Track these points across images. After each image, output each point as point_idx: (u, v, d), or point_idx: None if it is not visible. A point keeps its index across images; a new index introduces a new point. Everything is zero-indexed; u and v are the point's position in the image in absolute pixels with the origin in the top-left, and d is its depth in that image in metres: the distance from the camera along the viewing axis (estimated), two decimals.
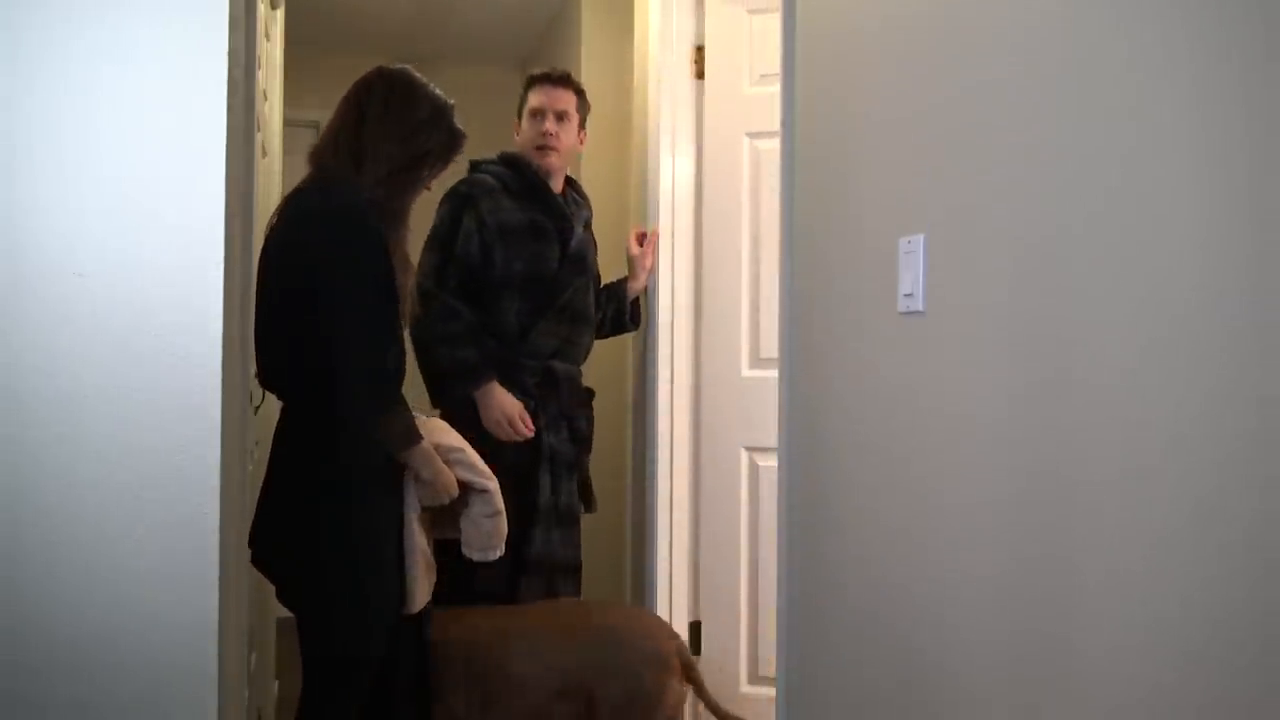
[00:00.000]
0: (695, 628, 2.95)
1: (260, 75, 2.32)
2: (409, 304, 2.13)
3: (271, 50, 2.91)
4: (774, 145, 2.71)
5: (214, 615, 1.61)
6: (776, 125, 2.68)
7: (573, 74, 3.91)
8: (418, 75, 2.18)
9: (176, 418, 1.60)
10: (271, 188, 2.95)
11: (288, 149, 3.60)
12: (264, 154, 2.59)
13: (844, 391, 1.78)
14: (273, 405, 3.03)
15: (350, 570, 2.01)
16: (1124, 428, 1.14)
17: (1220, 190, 1.03)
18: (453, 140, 2.17)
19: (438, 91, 2.18)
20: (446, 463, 2.14)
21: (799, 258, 1.96)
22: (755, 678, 2.82)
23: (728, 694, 2.82)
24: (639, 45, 3.22)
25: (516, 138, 2.84)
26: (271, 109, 2.91)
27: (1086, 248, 1.20)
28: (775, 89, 2.70)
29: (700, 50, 2.95)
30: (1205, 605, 1.04)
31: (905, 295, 1.57)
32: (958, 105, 1.46)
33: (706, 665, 2.88)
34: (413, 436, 2.03)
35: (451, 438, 2.22)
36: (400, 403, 2.02)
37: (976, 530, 1.41)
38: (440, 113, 2.16)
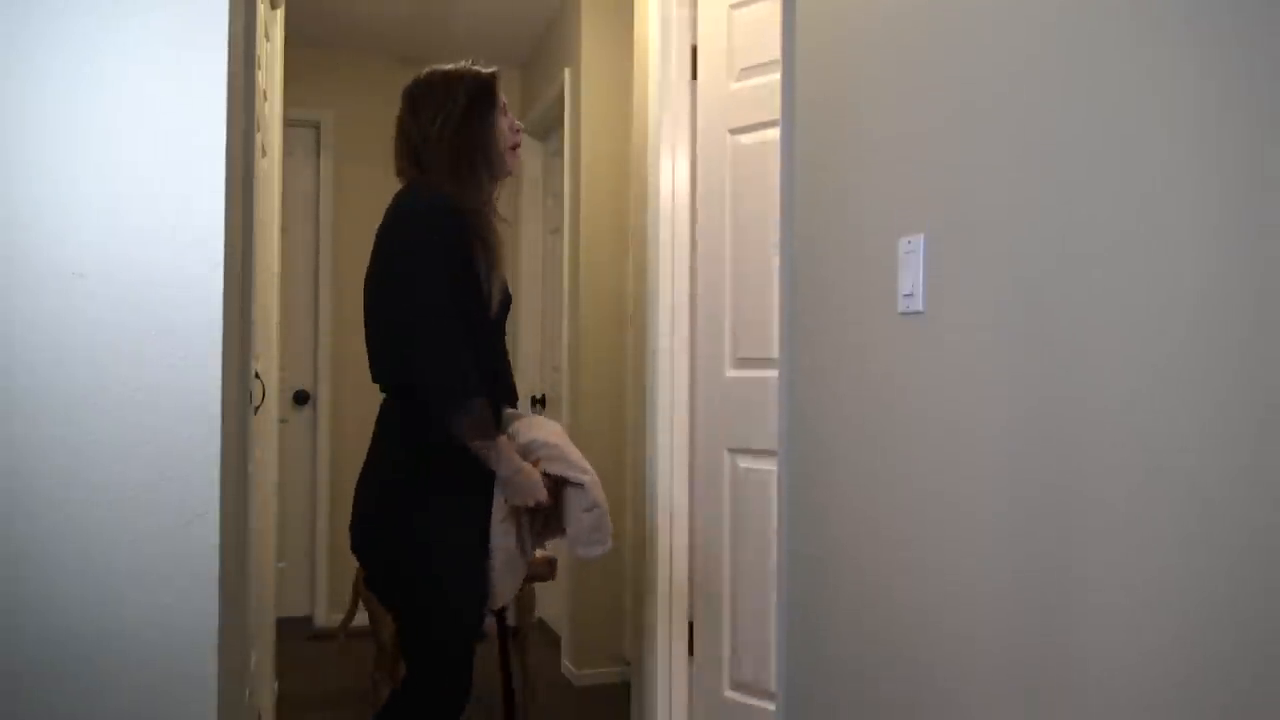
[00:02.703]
0: (689, 628, 2.94)
1: (260, 75, 2.32)
2: (496, 300, 2.09)
3: (271, 50, 2.91)
4: (753, 140, 2.71)
5: (214, 615, 1.61)
6: (757, 119, 2.68)
7: (572, 73, 3.92)
8: (434, 68, 2.17)
9: (176, 418, 1.60)
10: (271, 187, 2.95)
11: (288, 149, 3.60)
12: (264, 154, 2.59)
13: (844, 392, 1.78)
14: (273, 405, 3.03)
15: (430, 564, 2.04)
16: (1125, 427, 1.14)
17: (1222, 190, 1.03)
18: (478, 86, 2.14)
19: (447, 66, 2.17)
20: (536, 459, 2.12)
21: (799, 257, 1.96)
22: (736, 683, 2.77)
23: (714, 697, 2.81)
24: (639, 45, 3.22)
25: None
26: (271, 109, 2.91)
27: (1087, 247, 1.20)
28: (755, 82, 2.70)
29: (695, 50, 2.95)
30: (1209, 609, 1.04)
31: (905, 295, 1.57)
32: (958, 106, 1.46)
33: (698, 667, 2.87)
34: (487, 430, 2.01)
35: (548, 433, 2.19)
36: (474, 395, 1.97)
37: (977, 531, 1.41)
38: (448, 79, 2.14)
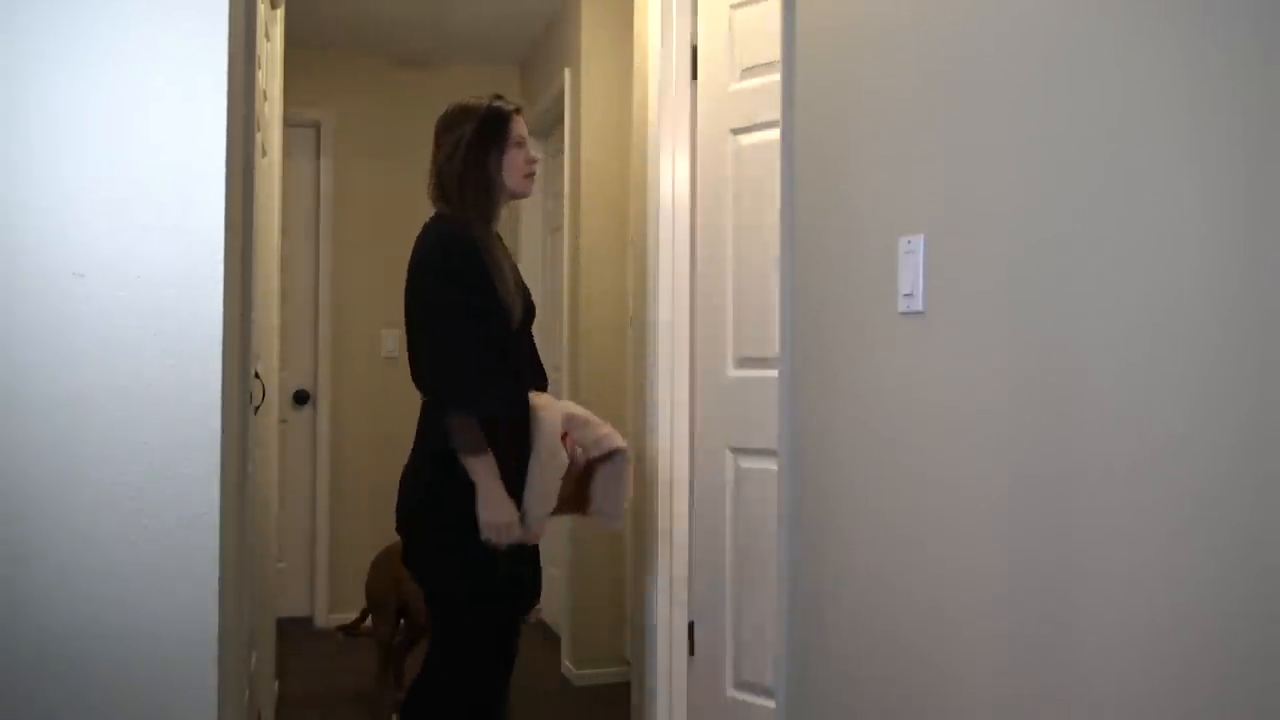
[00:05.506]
0: (689, 628, 2.93)
1: (260, 75, 2.32)
2: (518, 308, 2.20)
3: (271, 50, 2.91)
4: (755, 140, 2.70)
5: (214, 615, 1.61)
6: (759, 120, 2.67)
7: (572, 73, 3.92)
8: (459, 101, 2.27)
9: (176, 418, 1.60)
10: (272, 187, 2.95)
11: (288, 149, 3.60)
12: (264, 154, 2.59)
13: (844, 391, 1.78)
14: (273, 405, 3.03)
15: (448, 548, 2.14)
16: (1123, 426, 1.14)
17: (1218, 188, 1.03)
18: (488, 118, 2.22)
19: (474, 97, 2.27)
20: (567, 437, 2.20)
21: (799, 257, 1.96)
22: (739, 682, 2.76)
23: (716, 696, 2.80)
24: (639, 45, 3.22)
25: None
26: (271, 109, 2.91)
27: (1086, 247, 1.20)
28: (758, 82, 2.69)
29: (695, 50, 2.94)
30: (1204, 605, 1.04)
31: (905, 295, 1.57)
32: (958, 106, 1.47)
33: (699, 666, 2.87)
34: (476, 447, 2.08)
35: (571, 409, 2.30)
36: (471, 409, 2.07)
37: (976, 530, 1.41)
38: (464, 111, 2.24)
